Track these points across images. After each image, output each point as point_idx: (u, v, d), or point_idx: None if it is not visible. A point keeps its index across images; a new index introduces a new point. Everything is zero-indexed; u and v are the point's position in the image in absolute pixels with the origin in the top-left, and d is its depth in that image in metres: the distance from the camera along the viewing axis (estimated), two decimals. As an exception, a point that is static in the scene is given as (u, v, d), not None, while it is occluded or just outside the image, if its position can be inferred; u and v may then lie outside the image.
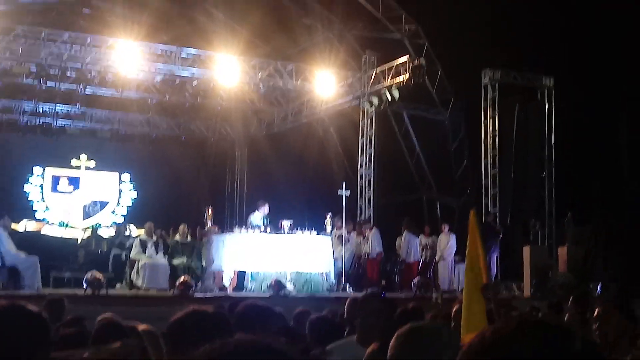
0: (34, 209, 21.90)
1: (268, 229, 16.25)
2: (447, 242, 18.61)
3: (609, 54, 19.35)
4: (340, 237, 17.99)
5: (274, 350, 1.62)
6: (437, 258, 18.65)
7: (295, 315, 7.26)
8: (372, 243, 18.02)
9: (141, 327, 5.27)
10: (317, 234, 16.66)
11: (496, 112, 19.94)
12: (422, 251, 18.89)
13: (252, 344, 1.64)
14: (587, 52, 19.58)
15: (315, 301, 12.50)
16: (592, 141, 20.45)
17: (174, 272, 15.92)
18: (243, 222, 17.41)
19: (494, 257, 17.77)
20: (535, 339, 1.59)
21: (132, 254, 16.77)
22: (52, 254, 17.99)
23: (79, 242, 19.66)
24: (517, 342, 1.59)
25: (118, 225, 21.27)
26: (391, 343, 2.98)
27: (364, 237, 18.18)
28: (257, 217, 16.80)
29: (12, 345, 2.54)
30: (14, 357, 2.52)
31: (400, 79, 18.26)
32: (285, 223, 16.44)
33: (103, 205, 23.03)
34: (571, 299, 8.22)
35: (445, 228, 18.93)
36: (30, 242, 16.87)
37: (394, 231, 19.69)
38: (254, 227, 16.28)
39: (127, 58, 17.06)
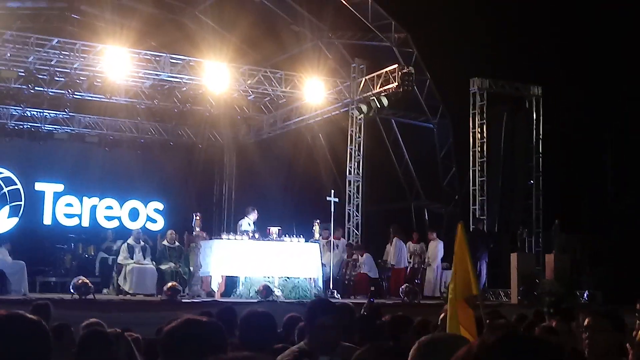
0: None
1: (256, 235, 16.27)
2: (434, 249, 18.69)
3: (598, 63, 19.49)
4: (328, 244, 18.07)
5: None
6: (425, 265, 18.72)
7: (286, 320, 7.26)
8: (364, 268, 18.16)
9: (127, 333, 5.28)
10: (306, 241, 16.69)
11: (484, 120, 20.02)
12: (410, 257, 18.95)
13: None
14: (575, 61, 19.72)
15: (303, 307, 12.50)
16: (579, 150, 20.58)
17: (162, 277, 15.92)
18: (231, 229, 17.40)
19: (484, 264, 17.84)
20: (520, 354, 1.62)
21: (120, 258, 16.76)
22: (39, 258, 17.95)
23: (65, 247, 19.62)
24: (501, 355, 1.62)
25: (105, 230, 21.25)
26: (411, 353, 3.00)
27: (356, 262, 18.33)
28: (246, 223, 16.85)
29: (13, 354, 2.53)
30: None
31: (389, 86, 18.32)
32: (274, 230, 16.47)
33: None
34: (554, 309, 8.29)
35: (433, 235, 19.01)
36: (17, 247, 16.80)
37: (381, 238, 19.76)
38: (242, 232, 16.29)
39: (115, 64, 17.04)
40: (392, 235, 19.03)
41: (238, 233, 16.46)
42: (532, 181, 20.30)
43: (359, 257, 18.43)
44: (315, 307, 4.86)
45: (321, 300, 5.77)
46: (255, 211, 17.07)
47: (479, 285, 5.47)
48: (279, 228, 16.60)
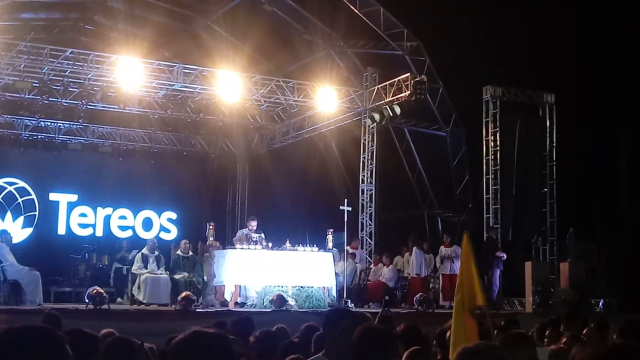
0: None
1: (270, 244, 16.29)
2: (451, 253, 18.58)
3: (610, 70, 19.44)
4: (353, 255, 18.24)
5: None
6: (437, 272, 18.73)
7: (303, 330, 7.23)
8: (387, 276, 18.29)
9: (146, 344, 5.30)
10: (319, 250, 16.70)
11: (497, 128, 19.98)
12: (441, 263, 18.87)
13: None
14: (588, 68, 19.67)
15: (317, 316, 12.50)
16: (593, 158, 20.51)
17: (175, 286, 15.93)
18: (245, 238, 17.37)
19: (497, 272, 17.77)
20: None
21: (134, 268, 16.80)
22: (53, 268, 18.01)
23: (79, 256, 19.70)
24: None
25: (119, 240, 21.33)
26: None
27: (369, 270, 18.44)
28: (244, 232, 16.94)
29: None
30: None
31: (402, 95, 18.31)
32: (288, 244, 16.54)
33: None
34: (566, 318, 8.24)
35: (447, 240, 18.95)
36: (32, 257, 16.87)
37: (395, 246, 19.73)
38: (253, 241, 16.31)
39: (129, 74, 17.12)
40: (411, 244, 19.02)
41: (236, 241, 16.54)
42: (546, 189, 20.22)
43: (384, 267, 18.55)
44: (334, 314, 4.85)
45: (340, 308, 5.76)
46: (255, 221, 17.15)
47: (484, 296, 5.41)
48: (287, 241, 16.70)
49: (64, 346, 2.68)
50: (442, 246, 18.89)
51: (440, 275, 18.59)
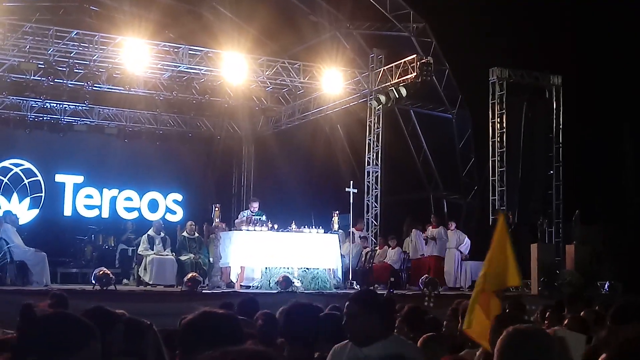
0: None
1: (275, 226, 16.33)
2: (455, 239, 18.64)
3: (618, 52, 19.35)
4: (364, 238, 18.29)
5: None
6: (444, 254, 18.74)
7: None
8: (393, 258, 18.44)
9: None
10: (325, 232, 16.73)
11: (503, 110, 19.92)
12: (426, 243, 18.82)
13: (252, 354, 1.65)
14: (595, 50, 19.58)
15: (322, 297, 12.54)
16: (599, 140, 20.45)
17: (182, 268, 15.99)
18: (251, 220, 17.35)
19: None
20: None
21: (140, 249, 16.87)
22: (60, 249, 18.08)
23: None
24: None
25: (125, 221, 21.39)
26: (498, 343, 3.01)
27: (374, 252, 18.50)
28: (246, 214, 16.98)
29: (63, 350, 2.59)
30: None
31: (408, 76, 18.26)
32: (293, 226, 16.58)
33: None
34: (568, 300, 8.22)
35: (452, 225, 18.97)
36: (38, 238, 16.94)
37: (400, 228, 19.76)
38: (259, 222, 16.34)
39: (134, 55, 17.09)
40: (407, 228, 19.07)
41: (238, 224, 16.58)
42: (552, 171, 20.19)
43: (389, 249, 18.61)
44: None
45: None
46: (257, 202, 17.20)
47: (520, 276, 5.34)
48: (294, 222, 16.73)
49: (94, 332, 2.72)
50: (430, 227, 18.87)
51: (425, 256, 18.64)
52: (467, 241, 18.70)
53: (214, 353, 1.62)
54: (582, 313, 7.08)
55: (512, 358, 2.95)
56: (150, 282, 16.07)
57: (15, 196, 21.20)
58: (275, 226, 16.35)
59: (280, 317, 5.66)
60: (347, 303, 4.57)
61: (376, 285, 17.21)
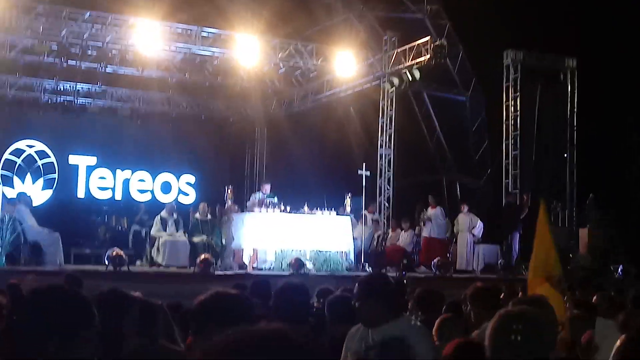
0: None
1: (288, 208, 16.36)
2: (467, 222, 18.55)
3: (635, 36, 19.17)
4: (376, 221, 18.22)
5: (289, 339, 1.62)
6: (455, 237, 18.67)
7: (318, 293, 7.27)
8: (406, 240, 18.42)
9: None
10: (337, 214, 16.75)
11: (518, 93, 19.82)
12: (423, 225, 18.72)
13: (268, 333, 1.65)
14: (611, 33, 19.41)
15: (334, 280, 12.56)
16: (614, 124, 20.32)
17: (194, 249, 16.04)
18: (263, 202, 17.35)
19: (517, 237, 17.68)
20: None
21: (153, 231, 16.94)
22: (73, 231, 18.17)
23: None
24: None
25: (138, 203, 21.47)
26: (490, 324, 3.03)
27: (386, 235, 18.49)
28: (257, 196, 17.00)
29: (55, 323, 2.57)
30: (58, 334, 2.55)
31: (421, 59, 18.17)
32: (306, 208, 16.60)
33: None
34: (579, 285, 8.18)
35: (465, 208, 18.90)
36: (52, 219, 17.02)
37: (413, 211, 19.72)
38: (272, 205, 16.38)
39: (147, 37, 17.08)
40: (418, 215, 18.90)
41: (250, 206, 16.63)
42: (566, 155, 20.11)
43: (402, 232, 18.57)
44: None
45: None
46: (269, 184, 17.25)
47: (560, 266, 5.33)
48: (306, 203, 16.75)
49: (90, 307, 2.71)
50: (430, 207, 18.65)
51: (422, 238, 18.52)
52: (479, 224, 18.63)
53: (230, 334, 1.61)
54: (594, 298, 7.08)
55: (503, 341, 2.97)
56: (163, 264, 16.15)
57: (29, 177, 21.31)
58: (288, 208, 16.37)
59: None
60: (355, 287, 4.63)
61: (388, 268, 17.22)
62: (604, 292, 7.75)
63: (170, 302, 6.22)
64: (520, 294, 6.64)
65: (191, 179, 23.55)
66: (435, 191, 21.85)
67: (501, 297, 6.20)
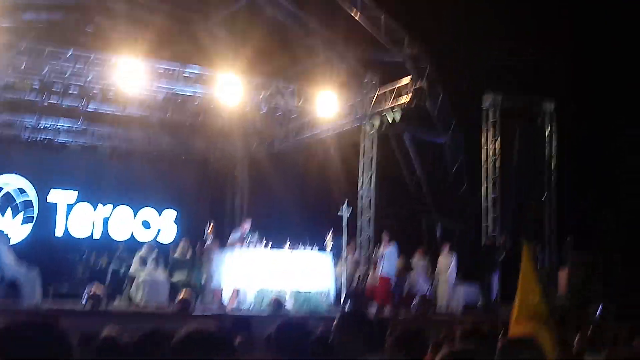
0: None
1: (255, 244, 16.30)
2: (448, 263, 18.58)
3: (611, 78, 19.50)
4: (357, 262, 18.05)
5: None
6: (436, 280, 18.65)
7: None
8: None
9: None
10: (319, 250, 16.72)
11: (497, 137, 20.02)
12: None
13: None
14: (589, 75, 19.72)
15: (314, 320, 12.51)
16: (593, 165, 20.55)
17: (174, 288, 15.96)
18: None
19: (495, 277, 17.76)
20: None
21: (132, 269, 16.85)
22: (51, 268, 18.03)
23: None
24: None
25: (117, 242, 21.35)
26: None
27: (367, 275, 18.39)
28: (237, 236, 16.90)
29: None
30: None
31: (402, 101, 18.36)
32: (286, 246, 16.55)
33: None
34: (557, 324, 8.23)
35: (446, 248, 18.92)
36: (30, 256, 16.88)
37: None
38: (252, 242, 16.33)
39: (129, 76, 17.15)
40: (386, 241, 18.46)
41: (230, 244, 16.60)
42: (544, 198, 20.26)
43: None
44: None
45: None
46: (248, 222, 17.15)
47: (546, 308, 5.34)
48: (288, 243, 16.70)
49: (66, 340, 2.71)
50: (383, 244, 17.94)
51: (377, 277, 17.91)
52: (453, 265, 18.51)
53: None
54: (576, 339, 7.13)
55: None
56: (142, 303, 16.04)
57: (9, 212, 21.20)
58: (270, 244, 16.34)
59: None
60: (334, 322, 4.64)
61: (371, 304, 17.04)
62: (585, 330, 7.82)
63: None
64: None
65: (172, 217, 23.49)
66: (415, 232, 21.94)
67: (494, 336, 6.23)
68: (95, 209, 22.34)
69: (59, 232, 21.90)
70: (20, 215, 21.43)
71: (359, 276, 18.29)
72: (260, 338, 6.71)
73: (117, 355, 4.71)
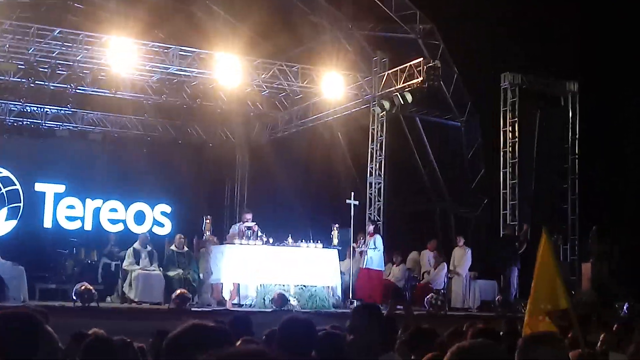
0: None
1: (270, 240, 16.28)
2: (462, 256, 18.54)
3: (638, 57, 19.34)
4: (362, 253, 18.01)
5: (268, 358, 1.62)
6: (450, 273, 18.62)
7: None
8: (397, 275, 18.62)
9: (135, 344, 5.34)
10: (323, 247, 16.68)
11: (516, 118, 19.92)
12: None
13: (247, 353, 1.65)
14: (614, 55, 19.57)
15: (320, 317, 12.49)
16: (619, 151, 20.42)
17: (169, 284, 15.95)
18: (244, 233, 17.31)
19: (515, 272, 17.69)
20: None
21: (125, 264, 16.83)
22: (39, 263, 18.03)
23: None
24: None
25: (108, 233, 21.31)
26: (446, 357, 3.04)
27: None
28: (238, 227, 16.89)
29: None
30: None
31: (414, 81, 18.25)
32: (290, 240, 16.50)
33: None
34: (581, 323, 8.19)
35: (460, 241, 18.88)
36: (16, 251, 16.89)
37: (404, 243, 19.70)
38: (254, 236, 16.29)
39: (121, 56, 17.05)
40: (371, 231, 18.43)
41: (230, 237, 16.51)
42: (566, 185, 20.18)
43: (393, 266, 18.52)
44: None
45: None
46: (250, 214, 17.08)
47: (568, 298, 5.27)
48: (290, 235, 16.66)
49: (42, 327, 2.70)
50: (367, 235, 18.02)
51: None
52: (467, 258, 18.53)
53: (212, 355, 1.63)
54: (601, 336, 7.10)
55: None
56: (136, 300, 16.03)
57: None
58: (271, 240, 16.29)
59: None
60: (351, 315, 4.67)
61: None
62: (611, 328, 7.78)
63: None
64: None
65: (167, 208, 23.41)
66: (428, 222, 21.89)
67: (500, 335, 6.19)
68: (84, 204, 22.21)
69: (47, 223, 21.84)
70: (6, 207, 21.38)
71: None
72: (263, 335, 6.73)
73: (108, 354, 4.69)
